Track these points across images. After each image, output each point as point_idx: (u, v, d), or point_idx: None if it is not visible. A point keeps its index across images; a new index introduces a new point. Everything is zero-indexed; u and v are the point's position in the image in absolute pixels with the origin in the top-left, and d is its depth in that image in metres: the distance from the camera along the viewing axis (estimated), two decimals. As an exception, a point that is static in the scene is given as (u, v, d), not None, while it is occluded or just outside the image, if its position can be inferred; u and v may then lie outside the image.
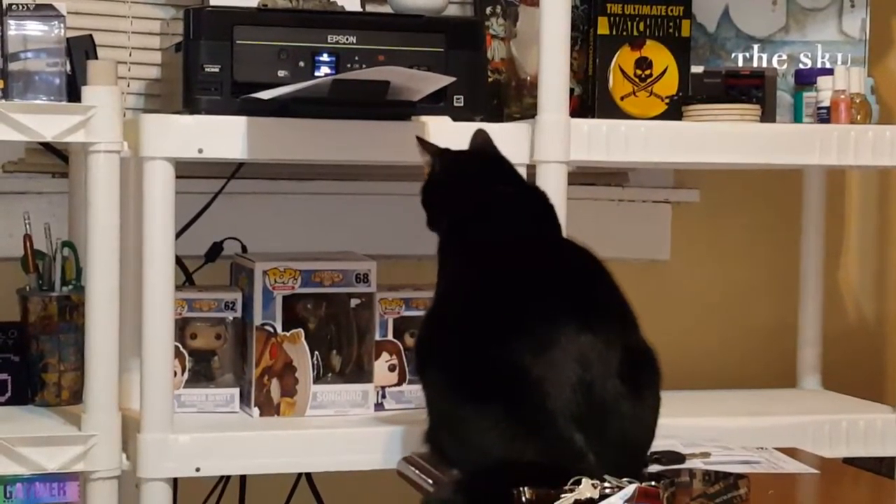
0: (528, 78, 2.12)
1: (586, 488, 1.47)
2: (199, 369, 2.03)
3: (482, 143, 1.80)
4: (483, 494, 1.49)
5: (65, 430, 1.88)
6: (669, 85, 2.10)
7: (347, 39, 1.91)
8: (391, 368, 2.06)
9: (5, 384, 2.04)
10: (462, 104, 1.95)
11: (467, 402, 1.54)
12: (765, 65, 2.28)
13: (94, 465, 1.84)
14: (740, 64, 2.27)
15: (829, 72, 2.15)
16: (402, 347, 2.06)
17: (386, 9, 2.11)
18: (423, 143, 1.78)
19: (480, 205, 1.70)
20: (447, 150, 1.78)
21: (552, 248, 1.67)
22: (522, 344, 1.53)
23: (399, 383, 2.07)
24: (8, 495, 1.83)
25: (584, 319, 1.54)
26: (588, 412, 1.51)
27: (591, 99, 2.09)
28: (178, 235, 1.90)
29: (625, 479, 1.49)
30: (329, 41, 1.90)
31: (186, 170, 2.01)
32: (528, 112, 2.04)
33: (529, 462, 1.51)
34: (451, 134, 1.89)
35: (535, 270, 1.60)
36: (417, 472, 1.68)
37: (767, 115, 2.17)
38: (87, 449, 1.83)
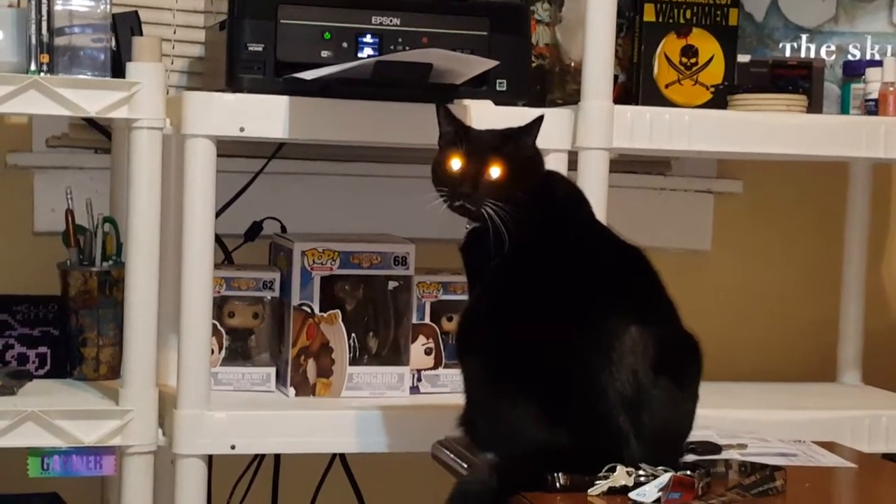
0: (572, 64, 2.11)
1: (621, 475, 1.46)
2: (236, 348, 2.04)
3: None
4: (520, 478, 1.48)
5: (102, 404, 1.89)
6: (715, 74, 2.08)
7: (391, 21, 1.90)
8: (427, 352, 2.06)
9: (44, 357, 2.06)
10: (505, 89, 1.94)
11: (510, 383, 1.53)
12: (813, 55, 2.25)
13: (131, 440, 1.85)
14: (788, 54, 2.25)
15: (879, 63, 2.12)
16: (438, 331, 2.06)
17: (430, -9, 2.10)
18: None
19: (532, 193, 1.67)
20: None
21: (599, 235, 1.66)
22: (573, 327, 1.52)
23: (435, 367, 2.06)
24: (45, 467, 1.84)
25: (633, 306, 1.54)
26: (633, 397, 1.50)
27: (635, 86, 2.08)
28: (218, 214, 1.91)
29: (660, 468, 1.48)
30: (373, 22, 1.90)
31: (228, 148, 2.01)
32: (572, 98, 2.03)
33: (567, 446, 1.50)
34: (493, 118, 1.88)
35: (584, 256, 1.59)
36: (452, 455, 1.68)
37: (814, 107, 2.15)
38: (124, 423, 1.85)
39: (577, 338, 1.52)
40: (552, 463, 1.48)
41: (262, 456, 2.21)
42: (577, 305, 1.54)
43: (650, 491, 1.44)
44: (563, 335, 1.52)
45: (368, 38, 1.89)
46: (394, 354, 2.03)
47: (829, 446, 1.79)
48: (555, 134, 1.92)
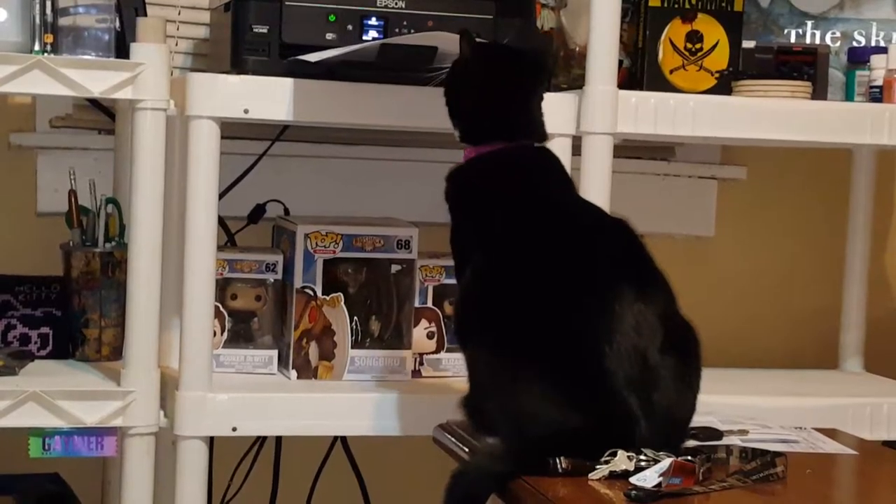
0: (577, 48, 2.10)
1: (622, 460, 1.46)
2: (239, 330, 2.04)
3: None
4: (530, 461, 1.48)
5: (104, 385, 1.89)
6: (720, 59, 2.07)
7: (396, 4, 1.90)
8: (430, 336, 2.06)
9: (47, 338, 2.06)
10: (510, 72, 1.93)
11: (520, 366, 1.52)
12: (818, 42, 2.25)
13: (132, 421, 1.85)
14: (793, 40, 2.25)
15: (884, 50, 2.12)
16: (441, 315, 2.06)
17: (436, -26, 2.09)
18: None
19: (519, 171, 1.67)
20: None
21: (585, 209, 1.65)
22: (579, 308, 1.52)
23: (437, 351, 2.07)
24: (46, 447, 1.85)
25: (637, 288, 1.53)
26: (641, 378, 1.50)
27: (639, 71, 2.07)
28: (221, 196, 1.90)
29: (661, 453, 1.48)
30: (378, 5, 1.89)
31: (232, 130, 2.01)
32: (576, 83, 2.02)
33: (574, 429, 1.49)
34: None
35: (576, 232, 1.59)
36: (453, 439, 1.68)
37: (818, 93, 2.14)
38: (126, 405, 1.85)
39: (584, 317, 1.51)
40: (563, 446, 1.47)
41: (264, 438, 2.21)
42: (578, 284, 1.53)
43: (651, 476, 1.44)
44: (569, 315, 1.52)
45: (373, 21, 1.89)
46: (396, 338, 2.03)
47: (831, 433, 1.79)
48: (559, 118, 1.92)
